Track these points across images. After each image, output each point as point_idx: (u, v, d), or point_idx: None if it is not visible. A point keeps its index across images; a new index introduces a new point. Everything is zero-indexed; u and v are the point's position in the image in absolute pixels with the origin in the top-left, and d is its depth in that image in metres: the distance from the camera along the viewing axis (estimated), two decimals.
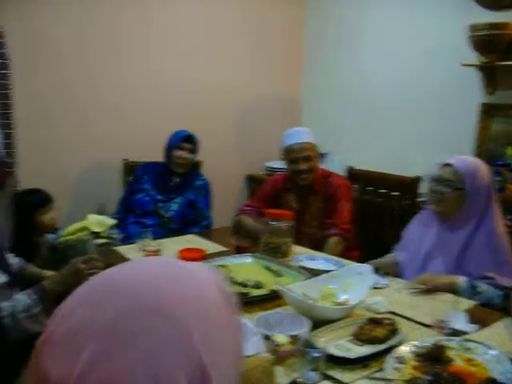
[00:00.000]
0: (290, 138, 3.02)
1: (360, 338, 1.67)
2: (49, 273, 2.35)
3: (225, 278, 0.72)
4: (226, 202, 4.32)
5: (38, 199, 2.87)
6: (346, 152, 4.12)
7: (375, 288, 2.13)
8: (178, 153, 3.27)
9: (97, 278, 0.65)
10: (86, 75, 3.72)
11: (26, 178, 3.28)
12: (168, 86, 4.05)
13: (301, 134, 3.01)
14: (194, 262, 0.71)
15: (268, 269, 2.32)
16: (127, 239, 2.88)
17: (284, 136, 3.06)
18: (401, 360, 1.51)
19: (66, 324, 0.60)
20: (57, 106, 3.64)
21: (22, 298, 1.89)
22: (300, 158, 2.95)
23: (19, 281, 2.09)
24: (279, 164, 4.36)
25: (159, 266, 0.68)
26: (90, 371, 0.55)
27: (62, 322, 0.61)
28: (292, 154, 2.99)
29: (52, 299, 1.94)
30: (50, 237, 2.59)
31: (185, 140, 3.29)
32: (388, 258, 2.47)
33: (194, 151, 3.32)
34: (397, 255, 2.47)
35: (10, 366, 1.43)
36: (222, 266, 2.30)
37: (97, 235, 2.52)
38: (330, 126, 4.41)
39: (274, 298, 1.99)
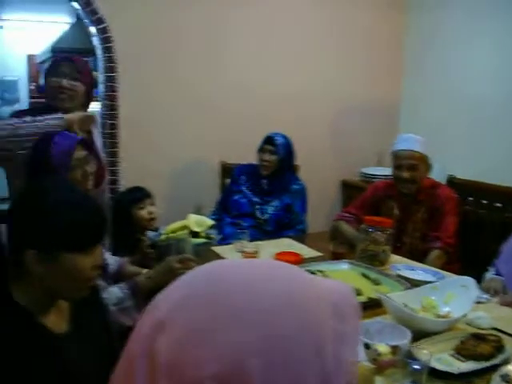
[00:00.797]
0: (400, 143, 2.96)
1: (463, 353, 1.62)
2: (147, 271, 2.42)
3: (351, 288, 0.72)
4: (321, 207, 4.32)
5: (136, 195, 3.00)
6: (447, 160, 4.00)
7: (477, 302, 2.05)
8: (260, 155, 3.31)
9: (209, 275, 0.67)
10: (189, 77, 3.85)
11: (128, 176, 3.43)
12: (266, 90, 4.10)
13: (411, 142, 2.93)
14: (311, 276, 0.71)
15: (365, 276, 2.30)
16: (223, 240, 2.93)
17: (396, 140, 3.02)
18: (508, 379, 1.46)
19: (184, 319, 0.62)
20: (159, 107, 3.78)
21: (115, 291, 1.95)
22: (404, 165, 2.89)
23: (118, 280, 2.17)
24: (375, 170, 4.32)
25: (272, 268, 0.69)
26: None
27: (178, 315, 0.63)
28: (397, 160, 2.93)
29: (144, 295, 2.00)
30: (150, 234, 2.68)
31: (266, 142, 3.31)
32: (493, 278, 2.38)
33: (276, 153, 3.28)
34: (498, 270, 2.38)
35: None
36: (320, 271, 2.30)
37: (196, 235, 2.59)
38: (429, 131, 4.27)
39: (371, 307, 1.96)
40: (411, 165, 2.87)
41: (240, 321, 0.59)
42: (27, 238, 1.30)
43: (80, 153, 2.06)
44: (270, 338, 0.59)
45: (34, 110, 2.59)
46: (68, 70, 2.48)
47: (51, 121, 2.24)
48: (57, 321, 1.38)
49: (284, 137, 3.35)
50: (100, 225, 1.39)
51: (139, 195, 2.93)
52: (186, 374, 0.58)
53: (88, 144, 2.18)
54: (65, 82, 2.47)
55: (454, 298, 1.90)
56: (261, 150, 3.31)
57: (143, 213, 2.87)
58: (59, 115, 2.28)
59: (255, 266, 0.70)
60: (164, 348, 0.60)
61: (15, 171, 2.27)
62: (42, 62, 6.55)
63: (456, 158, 4.03)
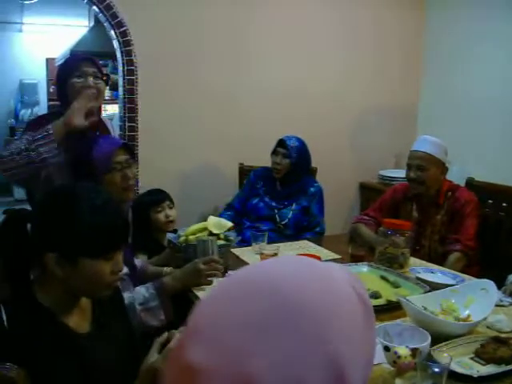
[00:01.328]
0: (415, 143, 2.98)
1: (483, 356, 1.61)
2: (169, 269, 2.44)
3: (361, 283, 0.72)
4: (339, 209, 4.31)
5: (155, 198, 3.03)
6: (466, 162, 3.98)
7: (497, 306, 2.04)
8: (273, 158, 3.31)
9: (237, 275, 0.67)
10: (208, 79, 3.87)
11: (147, 178, 3.46)
12: (285, 92, 4.12)
13: (424, 143, 2.93)
14: (329, 262, 0.72)
15: (384, 279, 2.30)
16: (243, 242, 2.94)
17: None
18: None
19: (212, 314, 0.62)
20: (178, 110, 3.80)
21: (142, 291, 1.97)
22: (412, 165, 2.91)
23: (141, 281, 2.19)
24: (393, 172, 4.30)
25: (299, 265, 0.69)
26: (238, 365, 0.56)
27: (206, 312, 0.63)
28: (408, 160, 2.97)
29: (170, 295, 2.01)
30: (170, 236, 2.70)
31: (278, 145, 3.31)
32: None
33: (288, 156, 3.26)
34: None
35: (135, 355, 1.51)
36: None
37: (215, 237, 2.60)
38: (447, 134, 4.22)
39: (390, 309, 1.97)
40: (418, 165, 2.88)
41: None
42: (49, 240, 1.32)
43: (121, 156, 2.10)
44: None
45: (52, 115, 2.60)
46: (91, 70, 2.48)
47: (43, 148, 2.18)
48: (79, 321, 1.40)
49: (298, 140, 3.33)
50: (121, 232, 1.40)
51: (158, 198, 2.97)
52: None
53: (130, 148, 2.20)
54: (90, 82, 2.47)
55: (475, 302, 1.89)
56: (273, 153, 3.31)
57: (160, 216, 2.90)
58: (48, 135, 2.17)
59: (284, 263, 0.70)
60: None
61: (36, 185, 2.29)
62: None
63: (475, 160, 4.01)
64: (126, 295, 1.85)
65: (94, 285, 1.37)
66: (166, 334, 1.43)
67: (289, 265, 0.69)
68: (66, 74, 2.43)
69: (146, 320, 1.92)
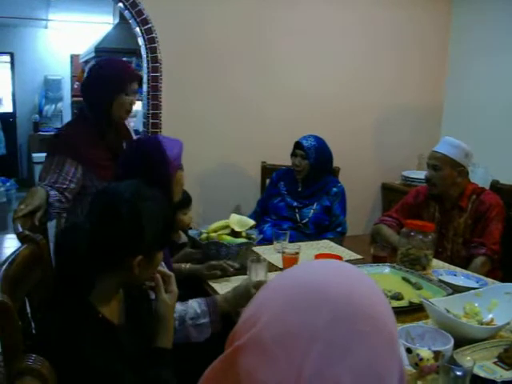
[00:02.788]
0: (438, 144, 2.96)
1: (506, 361, 1.59)
2: (188, 265, 2.44)
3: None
4: (361, 210, 4.30)
5: (183, 200, 3.01)
6: (491, 164, 3.93)
7: None
8: (292, 160, 3.31)
9: (294, 282, 0.67)
10: (233, 78, 3.88)
11: None
12: (308, 92, 4.10)
13: (444, 144, 2.91)
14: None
15: (406, 280, 2.28)
16: (264, 241, 2.94)
17: None
18: None
19: (276, 328, 0.61)
20: (201, 108, 3.81)
21: (194, 306, 1.96)
22: (429, 165, 2.91)
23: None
24: (416, 174, 4.27)
25: (348, 270, 0.70)
26: (311, 375, 0.57)
27: (269, 326, 0.62)
28: (427, 160, 2.98)
29: (220, 314, 1.99)
30: (192, 233, 2.71)
31: (295, 147, 3.30)
32: None
33: (307, 157, 3.24)
34: None
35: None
36: None
37: (237, 234, 2.61)
38: (472, 135, 4.20)
39: (412, 311, 1.96)
40: (434, 165, 2.87)
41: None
42: (132, 245, 1.36)
43: None
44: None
45: (79, 122, 2.66)
46: (136, 88, 2.55)
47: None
48: (114, 312, 1.43)
49: (316, 138, 3.31)
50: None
51: (188, 200, 2.94)
52: None
53: None
54: (135, 100, 2.55)
55: (498, 306, 1.87)
56: (292, 155, 3.31)
57: (186, 218, 2.88)
58: None
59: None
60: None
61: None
62: (86, 62, 6.67)
63: (500, 163, 3.96)
64: (179, 307, 1.86)
65: (153, 271, 1.50)
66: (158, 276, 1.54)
67: (349, 274, 0.69)
68: (118, 90, 2.49)
69: (193, 335, 1.90)
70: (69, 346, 1.24)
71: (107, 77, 2.51)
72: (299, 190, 3.33)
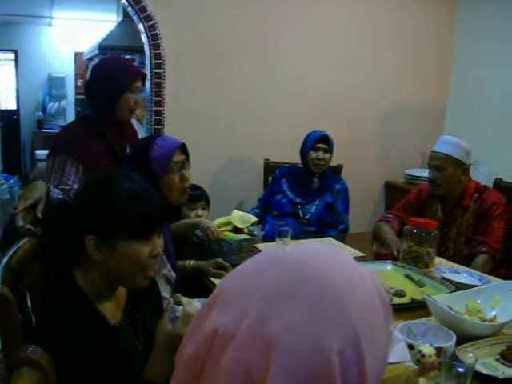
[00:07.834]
0: (436, 144, 2.94)
1: (508, 358, 1.59)
2: (192, 262, 2.44)
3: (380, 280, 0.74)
4: (364, 207, 4.29)
5: (192, 194, 2.97)
6: (494, 162, 3.92)
7: None
8: (315, 154, 3.26)
9: (267, 253, 0.74)
10: (236, 74, 3.88)
11: None
12: (311, 90, 4.10)
13: (443, 143, 2.89)
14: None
15: (408, 278, 2.28)
16: (265, 237, 2.93)
17: None
18: None
19: (238, 285, 0.68)
20: (204, 104, 3.81)
21: (197, 305, 1.95)
22: (431, 166, 2.89)
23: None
24: (419, 172, 4.26)
25: (325, 249, 0.75)
26: (257, 327, 0.62)
27: (232, 284, 0.69)
28: (428, 161, 2.95)
29: None
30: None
31: (319, 140, 3.29)
32: None
33: (329, 151, 3.27)
34: None
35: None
36: None
37: (239, 231, 2.60)
38: (475, 133, 4.20)
39: (414, 308, 1.95)
40: (437, 166, 2.85)
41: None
42: (88, 223, 1.34)
43: (179, 157, 2.09)
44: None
45: (79, 122, 2.65)
46: (140, 85, 2.54)
47: None
48: (113, 311, 1.42)
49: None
50: (157, 215, 1.41)
51: (195, 195, 2.87)
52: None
53: (187, 149, 2.20)
54: (139, 98, 2.54)
55: (501, 303, 1.87)
56: (313, 149, 3.28)
57: (192, 214, 2.84)
58: None
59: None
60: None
61: None
62: (90, 59, 6.67)
63: (503, 161, 3.94)
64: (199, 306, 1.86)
65: (132, 268, 1.37)
66: (171, 300, 1.46)
67: (316, 248, 0.75)
68: (122, 88, 2.46)
69: None
70: (62, 337, 1.24)
71: (110, 75, 2.49)
72: (310, 185, 3.32)
